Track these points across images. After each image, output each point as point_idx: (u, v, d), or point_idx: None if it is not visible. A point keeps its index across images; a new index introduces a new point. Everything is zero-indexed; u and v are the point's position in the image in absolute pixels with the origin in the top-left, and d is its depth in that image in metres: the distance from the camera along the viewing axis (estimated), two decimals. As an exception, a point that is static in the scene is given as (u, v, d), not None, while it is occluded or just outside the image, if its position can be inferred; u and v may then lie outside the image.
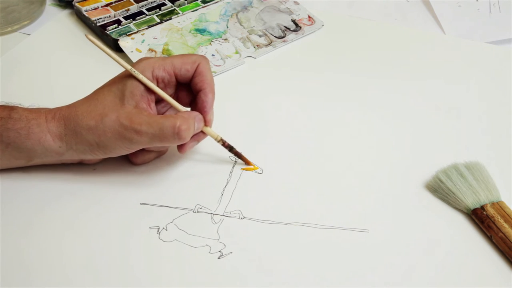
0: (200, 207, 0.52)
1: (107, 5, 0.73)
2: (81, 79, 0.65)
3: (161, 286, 0.46)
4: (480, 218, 0.50)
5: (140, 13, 0.73)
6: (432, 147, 0.58)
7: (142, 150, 0.53)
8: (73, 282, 0.46)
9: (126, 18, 0.72)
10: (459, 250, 0.49)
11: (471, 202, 0.51)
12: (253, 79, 0.66)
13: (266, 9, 0.75)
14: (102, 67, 0.64)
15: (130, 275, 0.47)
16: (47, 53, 0.69)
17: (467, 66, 0.69)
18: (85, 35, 0.51)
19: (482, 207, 0.51)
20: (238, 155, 0.55)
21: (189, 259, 0.48)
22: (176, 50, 0.69)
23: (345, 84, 0.66)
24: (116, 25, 0.71)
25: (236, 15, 0.74)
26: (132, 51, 0.67)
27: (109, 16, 0.72)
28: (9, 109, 0.51)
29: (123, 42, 0.68)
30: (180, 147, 0.52)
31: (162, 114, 0.55)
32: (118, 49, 0.68)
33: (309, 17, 0.75)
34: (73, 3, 0.73)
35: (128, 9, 0.73)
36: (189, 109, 0.54)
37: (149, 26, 0.71)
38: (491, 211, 0.50)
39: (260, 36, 0.72)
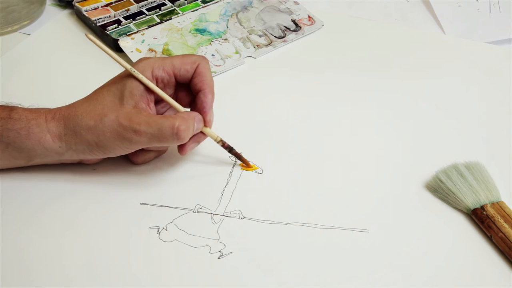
0: (200, 207, 0.52)
1: (107, 5, 0.73)
2: (81, 79, 0.65)
3: (161, 286, 0.46)
4: (480, 218, 0.50)
5: (140, 13, 0.73)
6: (432, 147, 0.58)
7: (142, 149, 0.53)
8: (73, 282, 0.46)
9: (126, 18, 0.72)
10: (459, 250, 0.49)
11: (471, 202, 0.51)
12: (253, 79, 0.66)
13: (266, 9, 0.75)
14: (102, 67, 0.64)
15: (130, 275, 0.47)
16: (47, 53, 0.69)
17: (467, 66, 0.69)
18: (85, 34, 0.51)
19: (482, 207, 0.51)
20: (238, 156, 0.55)
21: (189, 259, 0.48)
22: (176, 50, 0.69)
23: (345, 84, 0.66)
24: (116, 25, 0.71)
25: (236, 15, 0.74)
26: (132, 51, 0.67)
27: (109, 16, 0.72)
28: (9, 109, 0.51)
29: (123, 42, 0.68)
30: (181, 148, 0.52)
31: (162, 114, 0.55)
32: (118, 49, 0.68)
33: (309, 17, 0.75)
34: (73, 3, 0.73)
35: (128, 9, 0.73)
36: (188, 109, 0.53)
37: (149, 26, 0.71)
38: (491, 211, 0.50)
39: (260, 36, 0.72)
